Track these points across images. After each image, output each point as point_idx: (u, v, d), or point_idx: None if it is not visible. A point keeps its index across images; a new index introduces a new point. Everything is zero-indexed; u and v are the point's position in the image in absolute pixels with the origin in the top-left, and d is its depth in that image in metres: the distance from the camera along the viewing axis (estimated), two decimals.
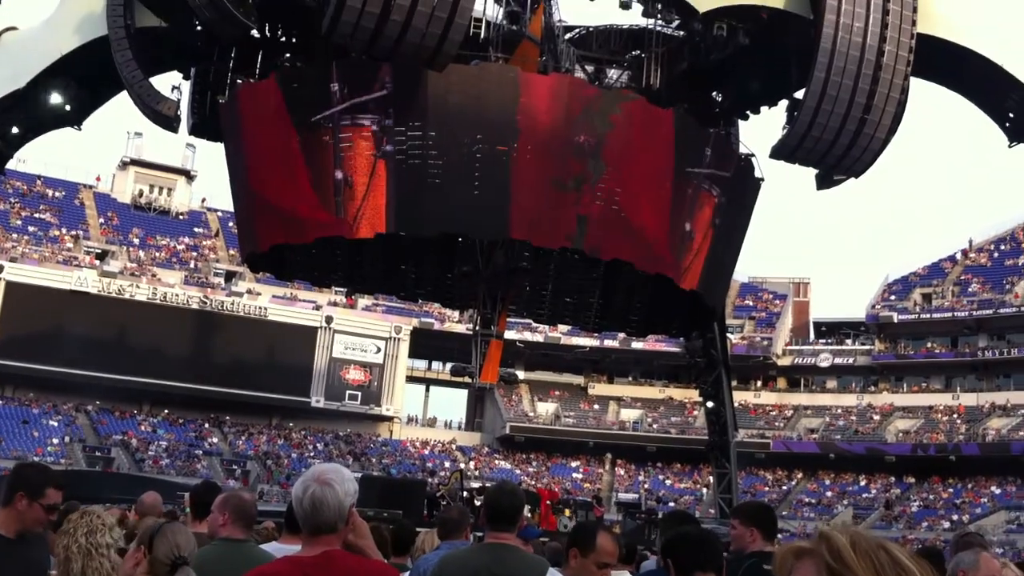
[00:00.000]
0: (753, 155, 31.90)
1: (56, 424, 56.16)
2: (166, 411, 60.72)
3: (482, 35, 29.60)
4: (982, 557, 4.61)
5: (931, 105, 44.07)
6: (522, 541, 6.18)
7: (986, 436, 59.75)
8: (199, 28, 28.36)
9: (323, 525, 3.47)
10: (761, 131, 34.79)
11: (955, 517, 55.49)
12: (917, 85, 29.42)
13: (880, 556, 1.92)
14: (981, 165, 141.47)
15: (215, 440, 60.47)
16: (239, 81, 30.20)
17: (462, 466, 57.93)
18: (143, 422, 59.62)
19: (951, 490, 59.43)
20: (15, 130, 32.74)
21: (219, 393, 59.81)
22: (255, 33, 29.42)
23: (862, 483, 62.77)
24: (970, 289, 66.84)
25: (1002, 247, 70.06)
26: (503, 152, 27.11)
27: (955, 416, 62.92)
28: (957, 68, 30.13)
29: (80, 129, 34.10)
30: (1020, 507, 55.19)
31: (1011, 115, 31.34)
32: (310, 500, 3.48)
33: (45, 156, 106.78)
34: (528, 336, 65.51)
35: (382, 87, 26.65)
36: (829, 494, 62.27)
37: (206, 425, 61.42)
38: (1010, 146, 32.13)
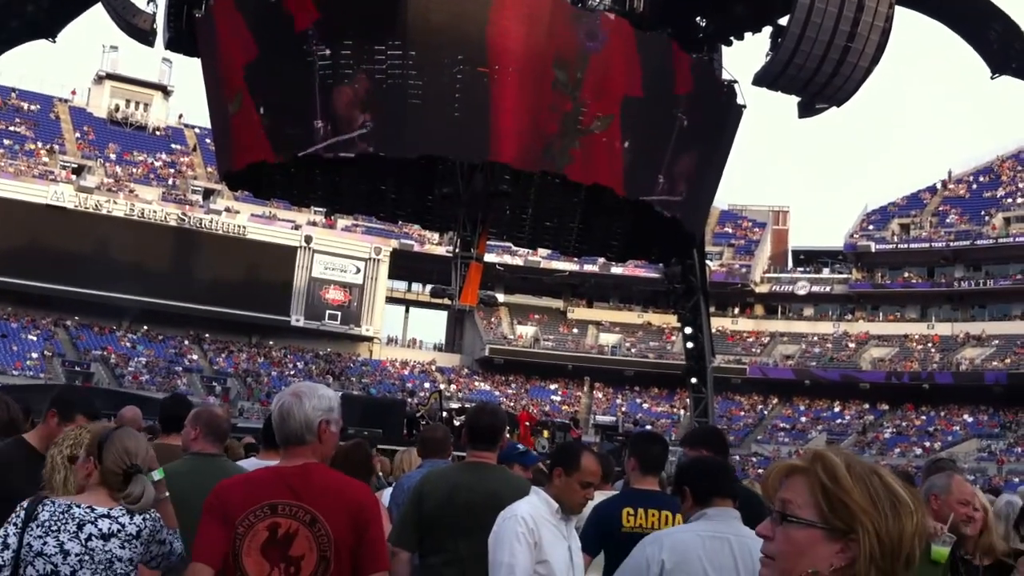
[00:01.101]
0: (736, 82, 31.67)
1: (35, 339, 56.12)
2: (146, 327, 60.72)
3: None
4: (954, 480, 4.62)
5: (914, 35, 43.87)
6: (521, 468, 6.26)
7: (960, 365, 60.55)
8: None
9: (290, 435, 3.56)
10: (744, 58, 34.52)
11: (927, 444, 56.50)
12: (901, 14, 29.22)
13: (873, 480, 1.90)
14: (962, 96, 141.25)
15: (195, 357, 60.63)
16: None
17: (441, 387, 58.39)
18: (123, 338, 59.65)
19: (924, 418, 60.39)
20: None
21: (199, 311, 59.85)
22: None
23: (836, 409, 63.68)
24: (948, 220, 67.19)
25: (981, 179, 70.30)
26: (484, 73, 26.76)
27: (930, 345, 63.68)
28: None
29: (55, 41, 33.44)
30: (991, 435, 56.24)
31: (994, 46, 31.19)
32: (278, 411, 3.59)
33: (19, 69, 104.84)
34: (508, 259, 65.62)
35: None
36: (804, 420, 63.19)
37: (186, 342, 61.52)
38: (992, 77, 32.02)
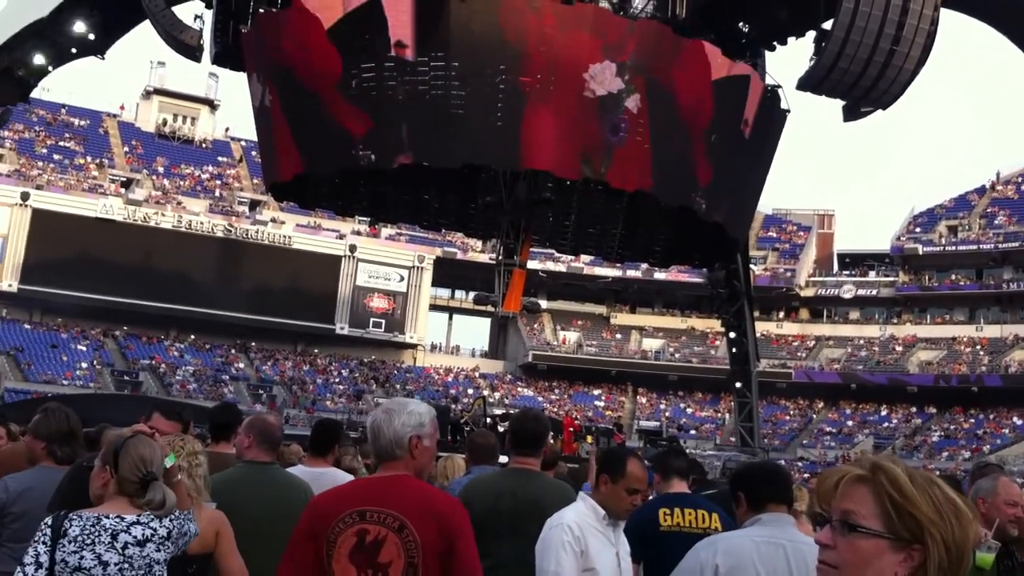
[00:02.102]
0: (779, 86, 31.60)
1: (84, 349, 56.98)
2: (193, 337, 61.47)
3: None
4: (1000, 481, 4.60)
5: (961, 36, 43.43)
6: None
7: (1008, 368, 59.69)
8: None
9: (381, 451, 3.69)
10: (788, 62, 34.42)
11: (976, 447, 55.74)
12: (947, 16, 29.00)
13: (935, 490, 1.93)
14: (1010, 97, 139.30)
15: (241, 365, 61.26)
16: (261, 10, 30.05)
17: (485, 393, 58.52)
18: (170, 347, 60.42)
19: (972, 420, 59.55)
20: (39, 59, 32.78)
21: (245, 320, 60.48)
22: None
23: (883, 413, 62.97)
24: (996, 222, 66.29)
25: None
26: (526, 83, 26.95)
27: (978, 348, 62.84)
28: None
29: (104, 58, 34.15)
30: None
31: None
32: (371, 427, 3.73)
33: (69, 85, 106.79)
34: (551, 266, 65.67)
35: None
36: (850, 424, 62.55)
37: (232, 351, 62.16)
38: None
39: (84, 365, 54.92)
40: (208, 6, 32.34)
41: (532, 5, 27.40)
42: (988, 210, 67.90)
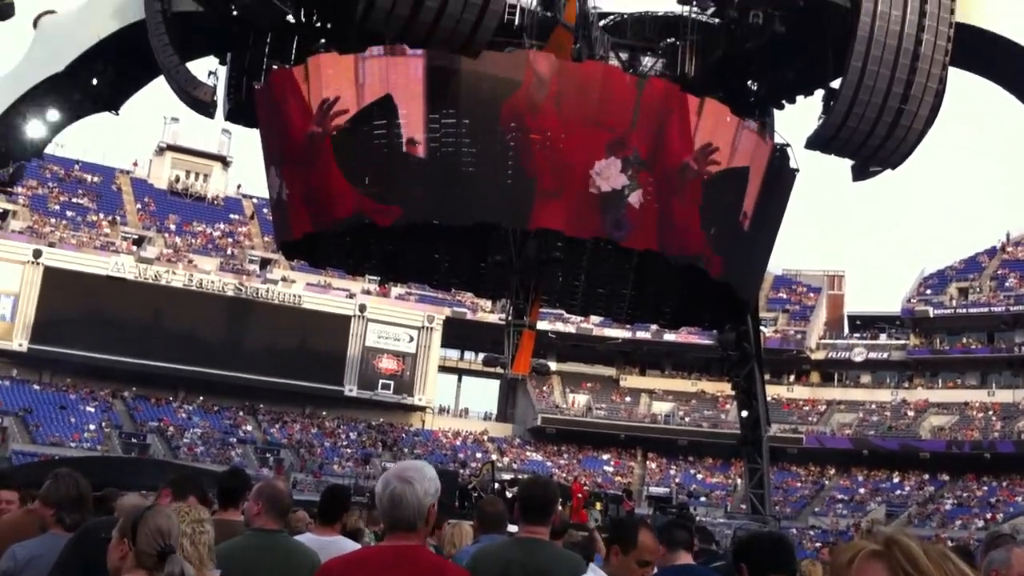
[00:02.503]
0: (788, 145, 31.67)
1: (93, 410, 56.76)
2: (201, 398, 61.23)
3: (516, 22, 29.56)
4: (1014, 553, 4.56)
5: (970, 96, 43.60)
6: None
7: (1022, 434, 59.04)
8: (235, 13, 28.52)
9: (400, 521, 3.54)
10: (796, 121, 34.54)
11: (989, 515, 54.91)
12: (955, 75, 29.12)
13: (948, 565, 1.92)
14: (1020, 157, 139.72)
15: (249, 428, 60.91)
16: (274, 67, 30.33)
17: (494, 457, 58.02)
18: (179, 409, 60.17)
19: (985, 488, 58.77)
20: (54, 114, 33.04)
21: (253, 380, 60.25)
22: (291, 19, 29.55)
23: (896, 480, 62.21)
24: (1007, 284, 66.04)
25: None
26: (537, 141, 27.06)
27: (991, 413, 62.24)
28: (996, 58, 29.74)
29: (118, 114, 34.42)
30: None
31: None
32: (389, 497, 3.55)
33: (83, 141, 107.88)
34: (560, 327, 65.47)
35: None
36: (862, 491, 61.78)
37: (240, 413, 61.85)
38: None
39: (92, 427, 54.67)
40: (222, 62, 32.68)
41: (542, 63, 27.52)
42: (999, 272, 67.68)
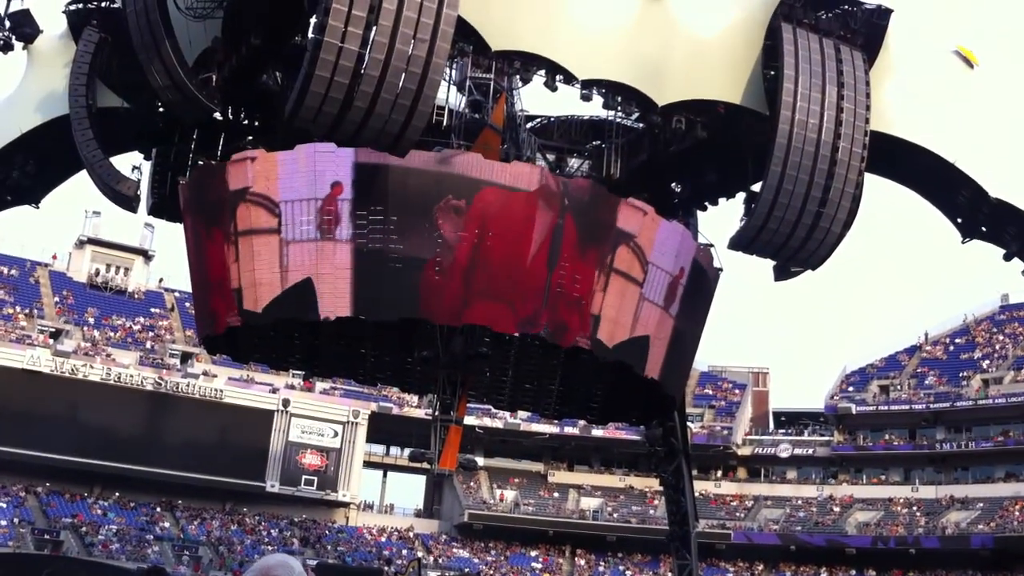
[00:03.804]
0: (712, 245, 32.19)
1: (4, 506, 54.77)
2: (117, 494, 59.36)
3: (444, 122, 29.87)
4: None
5: (887, 198, 44.91)
6: None
7: (946, 529, 59.71)
8: (161, 110, 28.40)
9: None
10: (720, 222, 35.17)
11: None
12: (872, 179, 29.97)
13: None
14: (937, 258, 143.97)
15: (167, 524, 59.12)
16: (200, 163, 30.18)
17: (420, 555, 56.97)
18: (94, 505, 58.27)
19: None
20: None
21: (172, 476, 58.66)
22: (218, 115, 29.50)
23: (823, 575, 62.29)
24: (927, 382, 67.43)
25: (957, 340, 70.94)
26: (464, 237, 27.15)
27: (915, 508, 62.93)
28: (909, 164, 30.70)
29: (38, 207, 33.88)
30: None
31: (963, 211, 31.89)
32: None
33: (0, 233, 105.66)
34: (488, 422, 65.03)
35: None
36: None
37: (158, 509, 60.06)
38: (963, 242, 32.63)
39: (3, 523, 52.80)
40: (146, 157, 32.41)
41: (470, 163, 27.74)
42: (918, 370, 69.12)
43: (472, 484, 68.73)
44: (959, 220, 32.35)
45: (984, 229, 32.06)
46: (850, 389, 69.79)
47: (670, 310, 30.02)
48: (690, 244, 30.76)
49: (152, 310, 68.64)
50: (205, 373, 62.00)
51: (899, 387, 67.95)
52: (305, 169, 27.04)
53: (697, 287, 31.48)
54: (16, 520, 53.50)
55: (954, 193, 31.40)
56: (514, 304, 27.93)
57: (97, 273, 68.00)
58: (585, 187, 29.31)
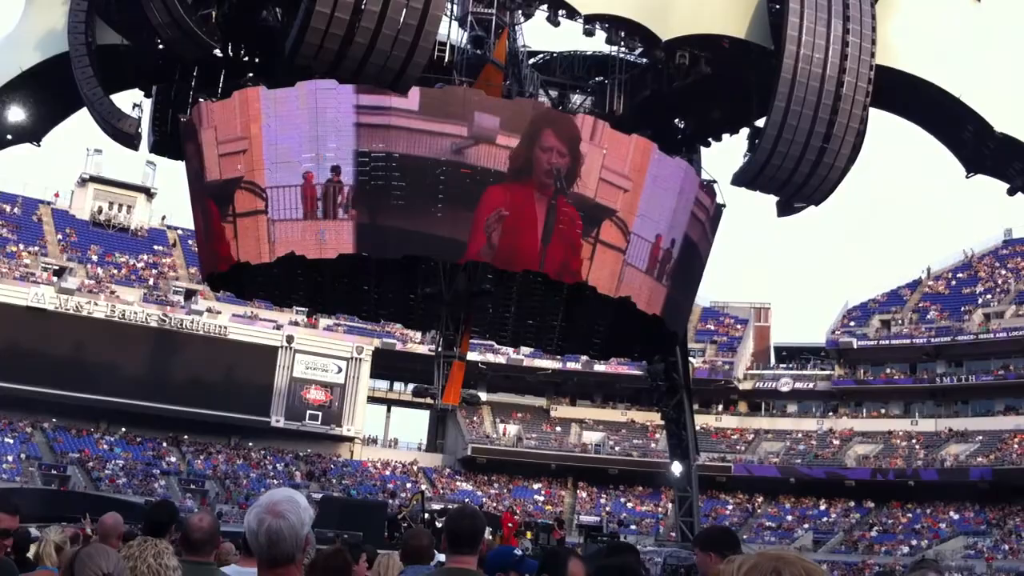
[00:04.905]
0: (715, 181, 32.11)
1: (11, 442, 55.29)
2: (123, 429, 59.94)
3: (446, 59, 29.67)
4: None
5: (891, 134, 44.73)
6: None
7: (944, 462, 60.29)
8: (161, 47, 28.18)
9: (280, 557, 3.44)
10: (724, 157, 35.08)
11: (914, 542, 55.91)
12: (877, 115, 29.83)
13: None
14: (940, 193, 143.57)
15: (173, 459, 59.78)
16: (201, 100, 30.00)
17: (423, 488, 57.64)
18: (100, 440, 58.85)
19: (910, 515, 59.86)
20: None
21: (177, 412, 59.14)
22: (218, 52, 29.28)
23: (822, 507, 63.09)
24: (928, 316, 67.61)
25: (959, 275, 71.00)
26: (466, 175, 27.06)
27: (914, 442, 63.47)
28: (915, 99, 30.55)
29: (39, 145, 33.78)
30: (978, 532, 55.73)
31: (967, 145, 31.81)
32: (266, 534, 3.43)
33: (2, 172, 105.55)
34: (491, 358, 65.41)
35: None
36: (790, 518, 62.52)
37: (164, 444, 60.69)
38: (967, 176, 32.59)
39: (10, 458, 53.27)
40: (147, 95, 32.25)
41: (471, 99, 27.53)
42: (920, 305, 69.26)
43: (475, 419, 69.36)
44: (964, 155, 32.30)
45: (989, 164, 32.02)
46: (851, 324, 70.02)
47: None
48: (693, 180, 30.65)
49: (155, 247, 68.72)
50: (209, 310, 62.20)
51: (901, 322, 68.15)
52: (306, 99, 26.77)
53: (699, 224, 31.42)
54: (23, 456, 54.06)
55: (959, 128, 31.30)
56: (518, 241, 27.92)
57: (100, 211, 67.93)
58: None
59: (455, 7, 30.94)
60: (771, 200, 31.31)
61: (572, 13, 27.36)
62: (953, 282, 70.63)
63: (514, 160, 26.99)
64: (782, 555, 2.04)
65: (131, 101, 31.08)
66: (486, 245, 27.15)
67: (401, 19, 23.44)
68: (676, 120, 34.37)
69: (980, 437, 61.19)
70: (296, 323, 64.27)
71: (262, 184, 27.03)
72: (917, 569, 5.50)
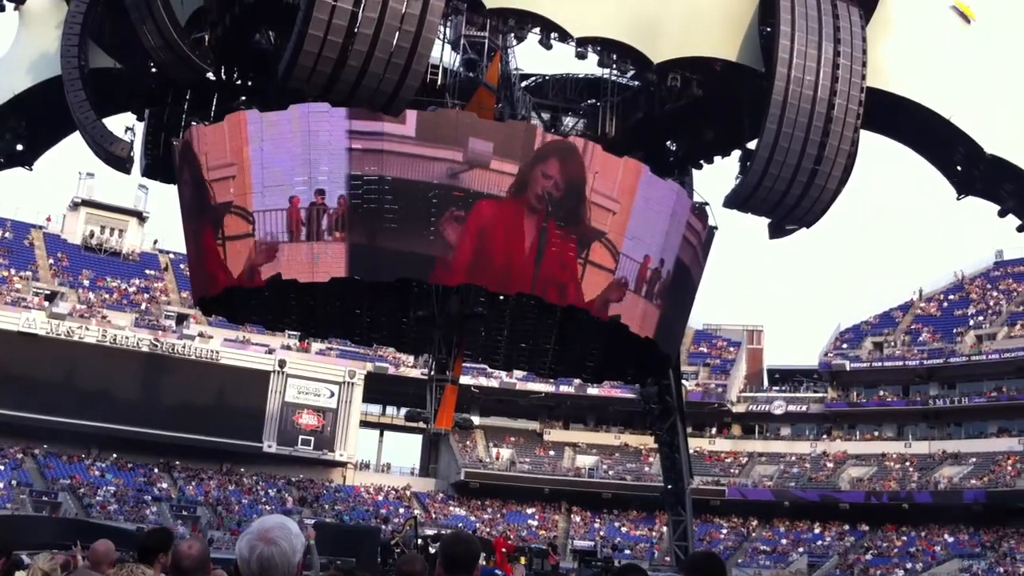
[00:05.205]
0: (707, 203, 32.16)
1: (2, 468, 55.00)
2: (115, 455, 59.62)
3: (439, 82, 29.72)
4: None
5: (882, 156, 44.95)
6: None
7: (938, 484, 60.22)
8: (154, 71, 28.19)
9: None
10: (715, 180, 35.16)
11: (909, 565, 55.76)
12: (868, 136, 29.93)
13: None
14: (931, 215, 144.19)
15: (164, 485, 59.45)
16: (194, 123, 30.00)
17: (416, 513, 57.40)
18: (91, 466, 58.54)
19: (905, 538, 59.72)
20: None
21: (169, 437, 58.88)
22: (211, 76, 29.31)
23: (816, 531, 62.90)
24: (920, 338, 67.71)
25: (951, 297, 71.18)
26: (459, 198, 27.06)
27: (907, 464, 63.43)
28: (905, 121, 30.64)
29: (31, 169, 33.72)
30: (973, 555, 55.60)
31: (959, 168, 31.88)
32: (257, 561, 3.39)
33: None
34: (483, 381, 65.31)
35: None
36: (784, 542, 62.33)
37: (156, 470, 60.38)
38: (959, 198, 32.64)
39: (1, 485, 52.90)
40: (139, 118, 32.23)
41: (464, 122, 27.57)
42: (912, 327, 69.39)
43: (468, 443, 69.14)
44: (955, 177, 32.35)
45: (980, 186, 32.07)
46: (844, 346, 70.11)
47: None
48: (685, 203, 30.68)
49: (147, 271, 68.61)
50: (201, 334, 62.06)
51: (893, 344, 68.25)
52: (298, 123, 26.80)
53: (691, 246, 31.44)
54: (14, 482, 53.75)
55: (950, 150, 31.38)
56: (511, 264, 27.90)
57: (92, 235, 67.84)
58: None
59: (448, 30, 31.03)
60: (763, 222, 31.32)
61: (564, 36, 27.43)
62: (945, 304, 70.80)
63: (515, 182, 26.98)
64: None
65: (123, 124, 31.01)
66: (472, 259, 27.08)
67: (394, 42, 23.48)
68: (668, 142, 34.44)
69: (973, 459, 61.16)
70: (288, 347, 64.13)
71: (250, 208, 27.02)
72: None
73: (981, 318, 67.27)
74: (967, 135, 29.61)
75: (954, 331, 66.69)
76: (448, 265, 27.35)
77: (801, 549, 60.88)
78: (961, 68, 29.55)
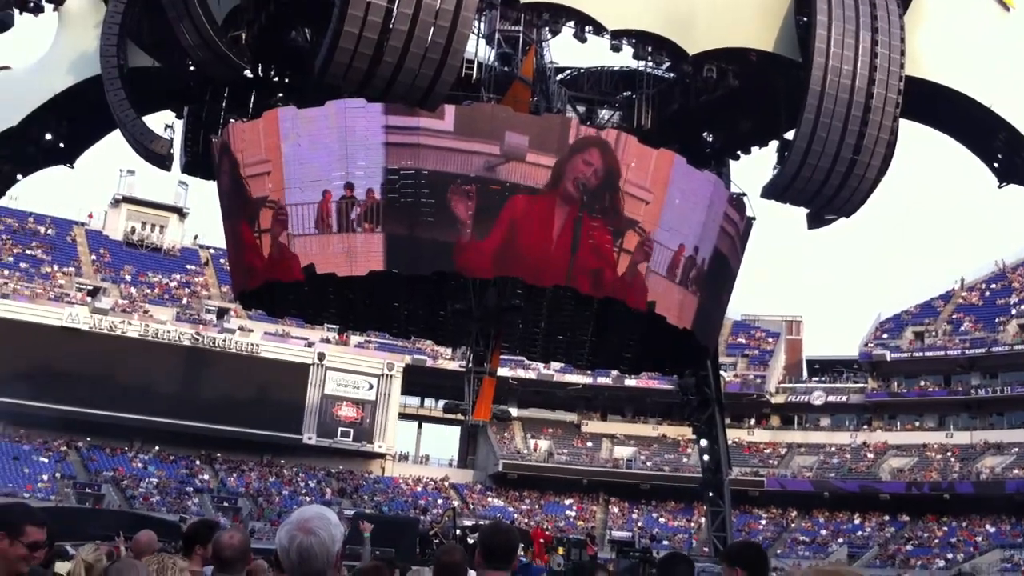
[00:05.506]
0: (745, 194, 32.02)
1: (46, 461, 55.82)
2: (157, 448, 60.40)
3: (474, 76, 29.78)
4: None
5: (922, 145, 44.46)
6: None
7: (980, 475, 59.61)
8: (192, 69, 28.48)
9: (311, 573, 3.46)
10: (753, 170, 34.94)
11: (950, 556, 55.25)
12: (908, 125, 29.65)
13: None
14: (972, 204, 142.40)
15: (206, 477, 60.13)
16: (232, 120, 30.29)
17: (455, 504, 57.66)
18: (134, 459, 59.32)
19: (945, 528, 59.15)
20: (7, 168, 32.76)
21: (210, 430, 59.56)
22: (248, 73, 29.57)
23: (856, 521, 62.47)
24: (962, 328, 66.92)
25: (993, 286, 70.25)
26: (495, 191, 27.14)
27: (949, 454, 62.81)
28: (945, 110, 30.35)
29: (73, 167, 34.19)
30: (1014, 546, 54.95)
31: (999, 155, 31.55)
32: (297, 551, 3.46)
33: (37, 193, 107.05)
34: (521, 373, 65.39)
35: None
36: (824, 532, 61.94)
37: (197, 462, 61.08)
38: (1000, 186, 32.29)
39: (45, 477, 53.82)
40: (179, 116, 32.61)
41: (500, 115, 27.63)
42: (954, 316, 68.60)
43: (506, 435, 69.31)
44: (995, 165, 32.02)
45: (1021, 173, 31.70)
46: (884, 336, 69.43)
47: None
48: (722, 194, 30.57)
49: (188, 266, 69.33)
50: (241, 328, 62.64)
51: (934, 333, 67.51)
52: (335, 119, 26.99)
53: (729, 237, 31.32)
54: (58, 475, 54.58)
55: (990, 138, 31.05)
56: (547, 256, 27.93)
57: (133, 231, 68.68)
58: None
59: (482, 25, 31.10)
60: (802, 212, 31.17)
61: (599, 29, 27.41)
62: (987, 293, 69.90)
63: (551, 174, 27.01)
64: (839, 570, 2.06)
65: (163, 122, 31.42)
66: (500, 248, 27.13)
67: (429, 37, 23.59)
68: (704, 134, 34.30)
69: (1016, 449, 60.43)
70: (327, 340, 64.56)
71: (284, 202, 27.28)
72: None
73: (1023, 307, 66.37)
74: (1008, 123, 29.31)
75: (996, 320, 65.84)
76: (463, 248, 27.23)
77: (841, 540, 60.48)
78: (1001, 56, 29.22)
